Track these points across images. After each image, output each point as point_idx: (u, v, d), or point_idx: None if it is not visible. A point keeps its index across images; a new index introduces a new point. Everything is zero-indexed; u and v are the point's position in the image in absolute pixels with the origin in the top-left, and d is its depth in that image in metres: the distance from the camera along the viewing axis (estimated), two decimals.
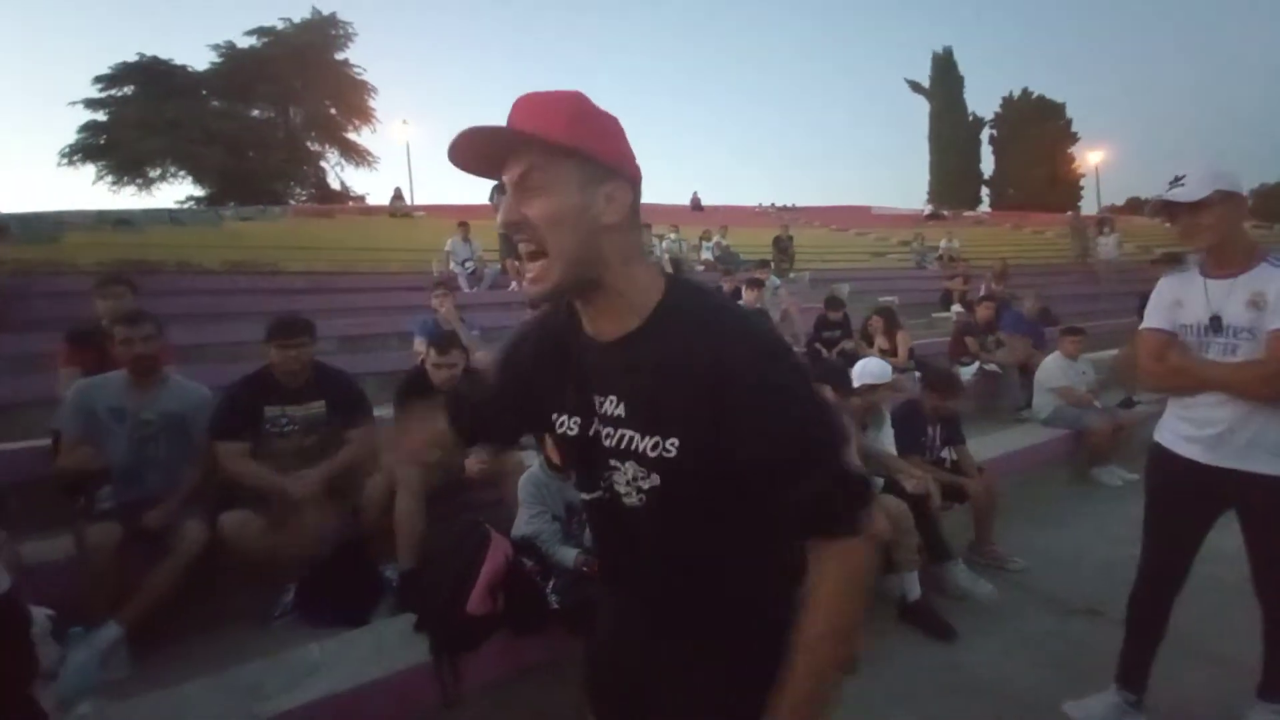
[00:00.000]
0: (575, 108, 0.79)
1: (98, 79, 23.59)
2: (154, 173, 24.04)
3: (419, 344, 4.63)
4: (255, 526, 2.54)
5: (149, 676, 2.25)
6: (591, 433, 0.90)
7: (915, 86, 41.32)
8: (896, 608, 2.91)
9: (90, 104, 23.44)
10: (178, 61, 24.69)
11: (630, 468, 0.87)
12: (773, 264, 10.11)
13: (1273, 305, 1.67)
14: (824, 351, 6.29)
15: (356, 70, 28.66)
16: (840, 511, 0.82)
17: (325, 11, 27.44)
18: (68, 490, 2.51)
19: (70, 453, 2.56)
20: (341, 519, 2.76)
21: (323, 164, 29.11)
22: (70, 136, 23.33)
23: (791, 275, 11.25)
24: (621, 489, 0.89)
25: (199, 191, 25.23)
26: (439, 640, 2.15)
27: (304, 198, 26.92)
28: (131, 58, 23.77)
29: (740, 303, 6.13)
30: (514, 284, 8.77)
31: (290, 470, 2.68)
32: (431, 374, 2.92)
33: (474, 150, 0.81)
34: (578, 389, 0.90)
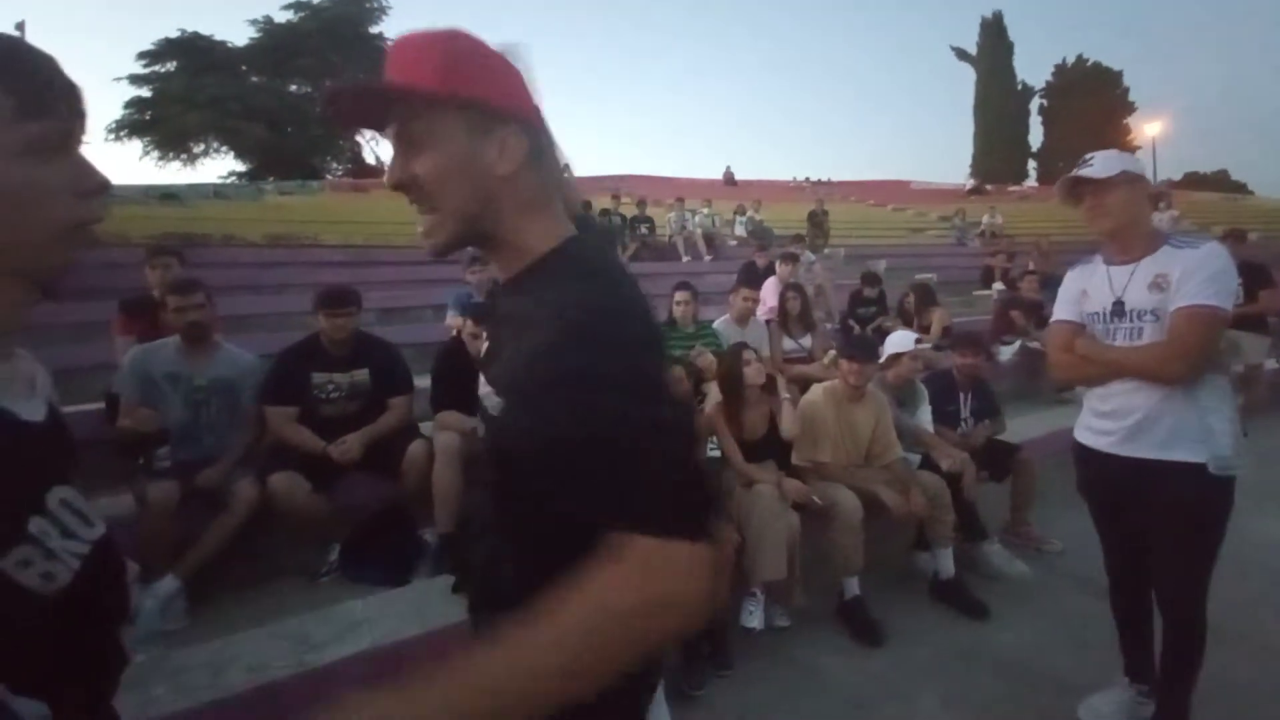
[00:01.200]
0: (449, 50, 0.70)
1: (141, 55, 24.12)
2: (197, 148, 24.61)
3: (453, 317, 4.69)
4: (302, 488, 2.64)
5: (204, 626, 2.39)
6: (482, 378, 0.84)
7: (961, 54, 39.69)
8: (929, 585, 2.90)
9: (134, 80, 24.00)
10: (218, 37, 25.10)
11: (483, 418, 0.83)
12: (807, 239, 9.93)
13: (1175, 285, 1.64)
14: (858, 328, 6.19)
15: (390, 44, 28.70)
16: (639, 503, 0.62)
17: None
18: (128, 450, 2.64)
19: (130, 415, 2.69)
20: (383, 483, 2.85)
21: (359, 139, 29.39)
22: (117, 112, 23.99)
23: (826, 251, 11.04)
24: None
25: (240, 166, 25.80)
26: (476, 601, 2.21)
27: (340, 172, 27.31)
28: (173, 33, 24.26)
29: (773, 279, 6.04)
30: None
31: (335, 434, 2.77)
32: (468, 344, 2.97)
33: (353, 108, 0.75)
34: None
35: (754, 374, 2.89)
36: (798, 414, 2.96)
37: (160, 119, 23.55)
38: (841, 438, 2.97)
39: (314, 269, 7.70)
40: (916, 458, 3.10)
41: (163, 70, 24.36)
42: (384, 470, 2.83)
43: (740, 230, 11.90)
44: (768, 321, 4.84)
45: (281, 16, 26.42)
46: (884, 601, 2.76)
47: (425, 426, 3.07)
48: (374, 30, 28.19)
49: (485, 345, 0.90)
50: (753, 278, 5.50)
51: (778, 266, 6.53)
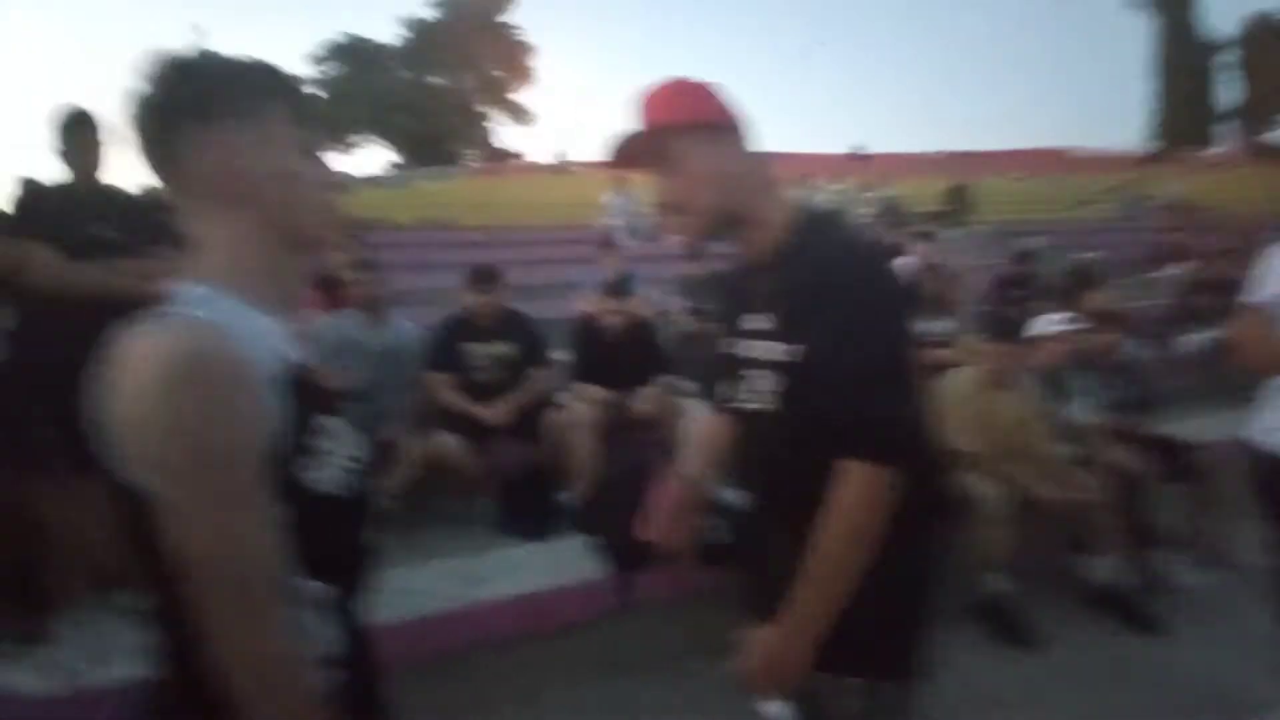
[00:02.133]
0: (680, 90, 0.99)
1: (309, 57, 27.01)
2: (355, 140, 27.24)
3: (586, 295, 4.91)
4: (458, 446, 2.94)
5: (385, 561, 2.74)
6: (735, 349, 1.07)
7: (1134, 2, 34.53)
8: (1087, 591, 2.69)
9: (305, 82, 26.95)
10: (372, 37, 27.47)
11: (761, 376, 1.02)
12: (946, 216, 9.26)
13: None
14: (1004, 311, 5.73)
15: (519, 32, 29.94)
16: (856, 436, 0.91)
17: None
18: None
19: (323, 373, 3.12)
20: (525, 446, 3.10)
21: (489, 124, 31.10)
22: None
23: (968, 229, 10.24)
24: (754, 398, 1.04)
25: (391, 155, 28.25)
26: (615, 557, 2.38)
27: (473, 157, 29.06)
28: (336, 37, 26.89)
29: (907, 259, 5.73)
30: (670, 238, 8.93)
31: (484, 400, 3.05)
32: (603, 320, 3.13)
33: (630, 151, 1.01)
34: (731, 311, 1.10)
35: None
36: (935, 402, 2.84)
37: (326, 115, 26.26)
38: (984, 426, 2.81)
39: (456, 249, 8.34)
40: (1072, 451, 2.86)
41: (326, 71, 27.10)
42: (526, 435, 3.08)
43: (869, 209, 11.33)
44: None
45: (426, 14, 28.38)
46: (1033, 604, 2.60)
47: (560, 397, 3.29)
48: (504, 20, 29.49)
49: (749, 316, 1.08)
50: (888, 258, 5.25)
51: (910, 245, 6.18)
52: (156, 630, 0.70)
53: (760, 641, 0.99)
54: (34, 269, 1.89)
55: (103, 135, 2.11)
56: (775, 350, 0.98)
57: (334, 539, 0.75)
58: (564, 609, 2.31)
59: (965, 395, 2.81)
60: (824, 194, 10.66)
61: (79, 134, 2.07)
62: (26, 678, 1.86)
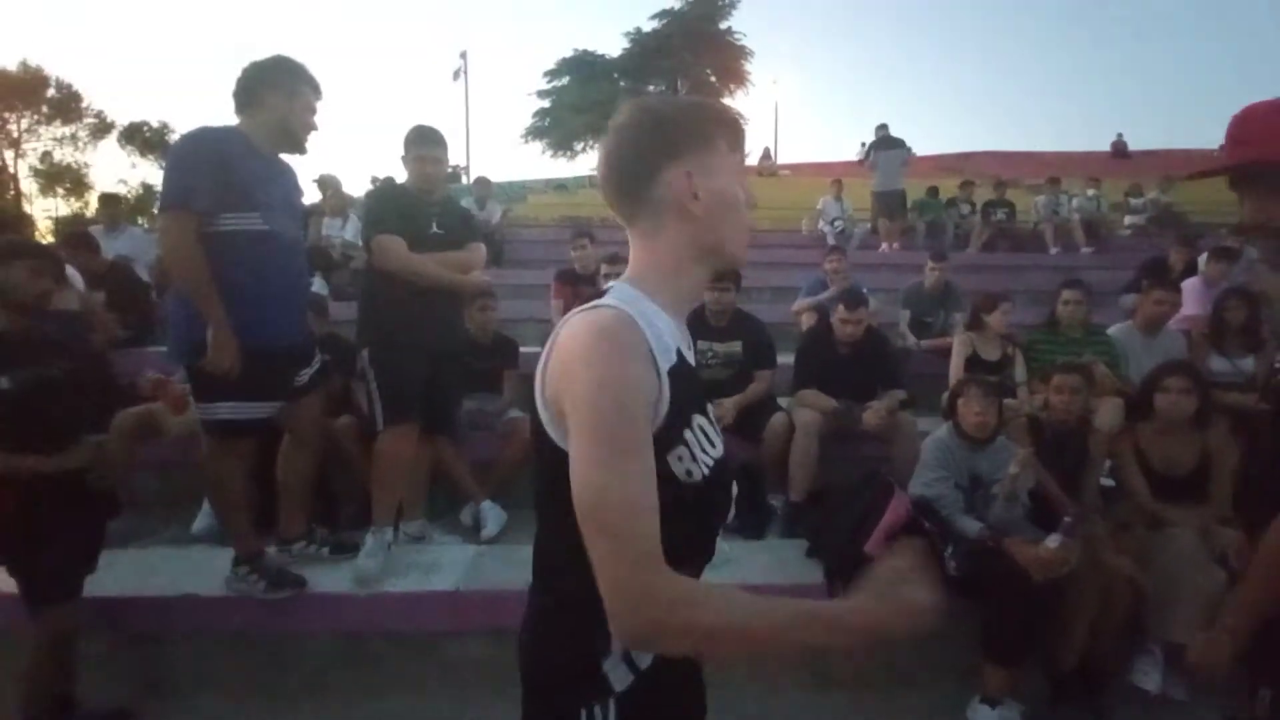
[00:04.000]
0: None
1: (545, 73, 29.93)
2: (579, 146, 29.69)
3: (804, 302, 4.88)
4: None
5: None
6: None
7: None
8: None
9: (540, 94, 29.97)
10: (599, 51, 29.65)
11: None
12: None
13: None
14: None
15: (737, 36, 30.20)
16: None
17: None
18: None
19: None
20: (745, 446, 3.19)
21: None
22: (528, 120, 30.28)
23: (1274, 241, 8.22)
24: None
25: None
26: (835, 568, 2.37)
27: None
28: (568, 52, 29.50)
29: (1196, 279, 4.81)
30: (883, 245, 8.45)
31: (709, 397, 3.19)
32: (837, 329, 3.11)
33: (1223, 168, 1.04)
34: None
35: (1170, 407, 2.40)
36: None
37: (556, 124, 29.00)
38: None
39: None
40: None
41: (559, 84, 29.84)
42: (745, 435, 3.16)
43: (1135, 217, 9.61)
44: (1186, 333, 3.90)
45: (649, 26, 29.89)
46: None
47: (781, 402, 3.32)
48: (724, 25, 29.94)
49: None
50: (1162, 275, 4.45)
51: (1204, 264, 5.16)
52: (540, 557, 0.86)
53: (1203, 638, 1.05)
54: (389, 257, 2.41)
55: (440, 149, 2.58)
56: None
57: (692, 531, 0.82)
58: None
59: None
60: (1078, 198, 9.25)
61: (420, 146, 2.55)
62: (340, 580, 2.37)
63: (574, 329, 0.74)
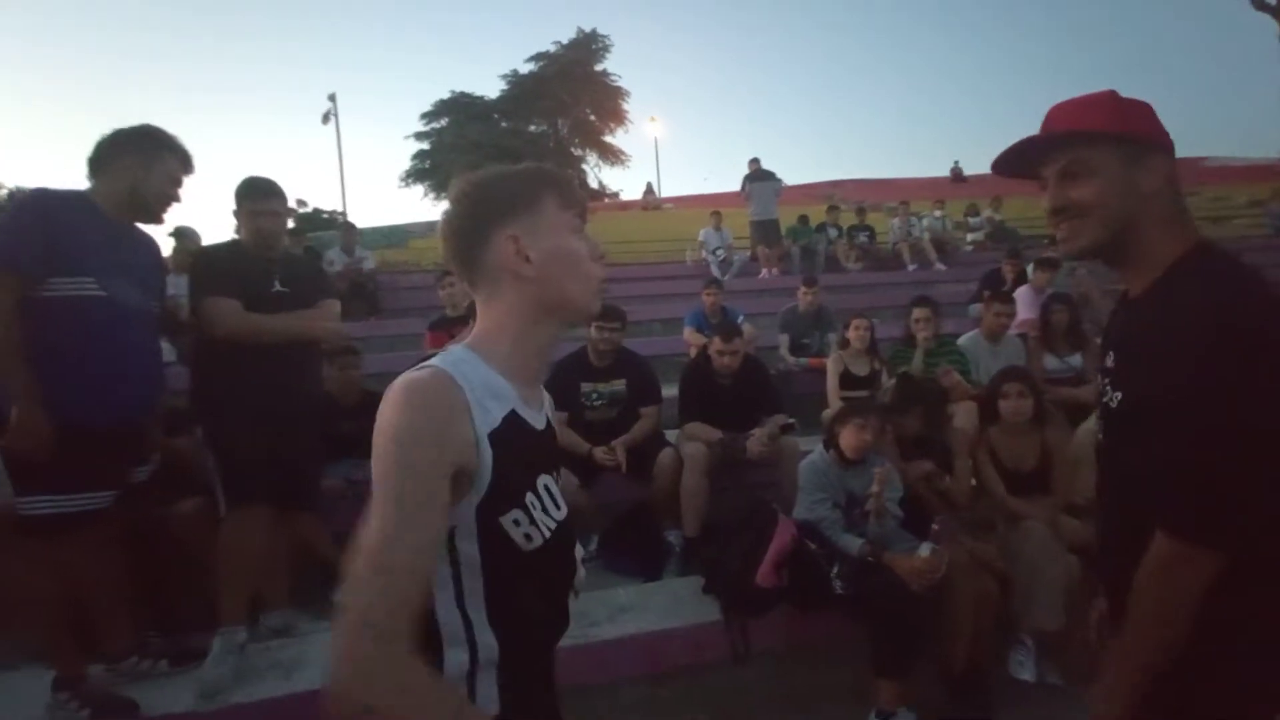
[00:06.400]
0: (1111, 101, 0.93)
1: (423, 115, 29.41)
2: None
3: (690, 333, 4.97)
4: (571, 483, 3.03)
5: None
6: (1101, 386, 1.00)
7: (1259, 4, 31.00)
8: None
9: (419, 135, 29.36)
10: (477, 93, 29.58)
11: (1101, 420, 0.98)
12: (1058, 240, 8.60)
13: None
14: None
15: (612, 78, 31.25)
16: (1183, 513, 0.83)
17: (587, 29, 30.37)
18: None
19: None
20: (635, 485, 3.15)
21: (584, 166, 32.44)
22: (407, 163, 29.47)
23: None
24: (1100, 436, 1.00)
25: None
26: (729, 604, 2.36)
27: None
28: (445, 94, 29.19)
29: (1026, 288, 5.39)
30: (763, 271, 8.88)
31: (596, 437, 3.14)
32: (715, 360, 3.16)
33: (1016, 158, 0.97)
34: (1102, 349, 1.03)
35: (1011, 410, 2.63)
36: (1075, 447, 2.64)
37: (436, 166, 28.43)
38: None
39: None
40: None
41: (439, 126, 29.39)
42: (636, 473, 3.12)
43: (975, 235, 10.74)
44: (1023, 336, 4.33)
45: (525, 68, 30.27)
46: None
47: (667, 435, 3.32)
48: (599, 68, 30.90)
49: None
50: (998, 289, 4.96)
51: (1031, 274, 5.81)
52: None
53: (1091, 697, 0.97)
54: (221, 320, 2.17)
55: (276, 201, 2.39)
56: (1108, 394, 0.95)
57: (536, 598, 0.81)
58: (677, 652, 2.30)
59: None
60: (926, 219, 10.24)
61: (252, 201, 2.35)
62: (180, 696, 2.06)
63: (391, 389, 0.74)
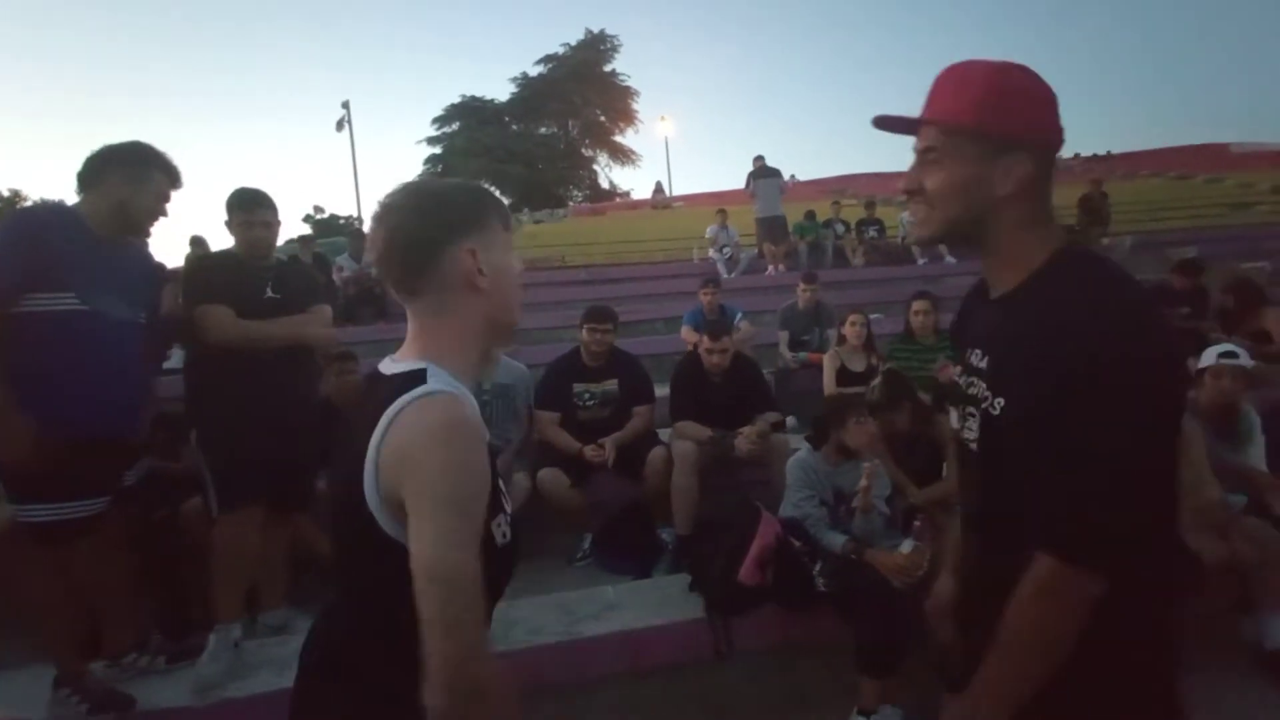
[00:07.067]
0: (992, 84, 0.84)
1: (435, 120, 29.76)
2: None
3: (687, 332, 4.98)
4: (562, 482, 3.06)
5: None
6: (961, 381, 0.97)
7: None
8: (1253, 656, 2.32)
9: (430, 140, 29.69)
10: (487, 96, 29.84)
11: (973, 418, 0.93)
12: (1078, 229, 8.47)
13: None
14: None
15: (622, 78, 31.34)
16: (1068, 533, 0.78)
17: (595, 29, 30.47)
18: None
19: None
20: (627, 483, 3.17)
21: (595, 167, 32.58)
22: (419, 168, 29.82)
23: (1104, 240, 9.30)
24: (969, 434, 0.95)
25: (504, 201, 30.28)
26: (712, 601, 2.37)
27: (580, 199, 30.47)
28: (456, 99, 29.48)
29: None
30: (770, 268, 8.84)
31: (588, 437, 3.16)
32: (704, 359, 3.16)
33: (898, 122, 0.92)
34: (962, 342, 1.00)
35: None
36: None
37: (448, 170, 28.74)
38: None
39: (561, 288, 8.73)
40: (1241, 499, 2.50)
41: (449, 130, 29.70)
42: (629, 472, 3.14)
43: None
44: None
45: (535, 70, 30.47)
46: (1193, 670, 2.28)
47: (662, 433, 3.34)
48: (608, 68, 30.97)
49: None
50: None
51: None
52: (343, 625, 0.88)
53: (949, 713, 0.92)
54: (214, 327, 2.23)
55: (267, 211, 2.45)
56: (982, 393, 0.90)
57: (500, 585, 0.87)
58: (660, 650, 2.32)
59: None
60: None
61: (243, 211, 2.41)
62: (176, 691, 2.13)
63: (417, 417, 0.76)
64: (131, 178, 2.06)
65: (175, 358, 4.77)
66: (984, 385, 0.89)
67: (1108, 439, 0.76)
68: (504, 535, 0.84)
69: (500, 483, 0.86)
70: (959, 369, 0.99)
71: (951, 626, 1.13)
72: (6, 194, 24.79)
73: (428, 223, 0.83)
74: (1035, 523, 0.82)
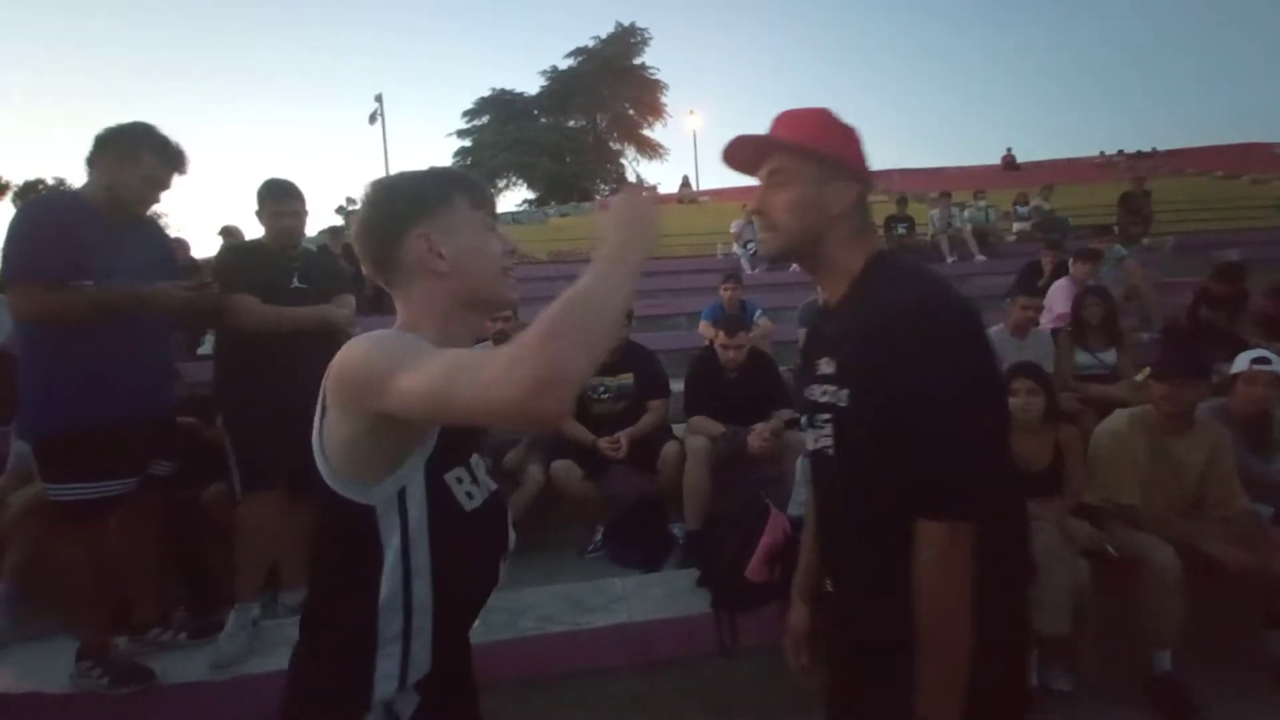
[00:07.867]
0: (824, 119, 1.01)
1: (465, 113, 30.01)
2: (502, 183, 29.72)
3: (705, 326, 4.96)
4: (576, 474, 3.08)
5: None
6: (815, 394, 1.03)
7: None
8: (1277, 670, 2.25)
9: (460, 134, 29.97)
10: (517, 90, 29.98)
11: (827, 424, 1.00)
12: (1118, 229, 8.18)
13: None
14: (1194, 339, 4.91)
15: (651, 71, 31.20)
16: (937, 490, 0.87)
17: (625, 23, 30.39)
18: None
19: None
20: (641, 477, 3.18)
21: (622, 161, 32.54)
22: (449, 160, 30.12)
23: (1145, 241, 9.00)
24: (825, 443, 1.02)
25: (530, 195, 30.46)
26: (719, 597, 2.36)
27: (607, 193, 30.46)
28: (486, 92, 29.68)
29: (1065, 280, 5.15)
30: (793, 264, 8.72)
31: (602, 430, 3.18)
32: (720, 354, 3.15)
33: (740, 153, 1.04)
34: (812, 358, 1.07)
35: (1020, 408, 2.53)
36: (1090, 446, 2.53)
37: (478, 163, 28.99)
38: (1157, 478, 2.44)
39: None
40: (1268, 510, 2.41)
41: (479, 123, 29.92)
42: (642, 465, 3.15)
43: (1022, 223, 10.32)
44: (1054, 332, 4.16)
45: (564, 64, 30.50)
46: (1215, 686, 2.21)
47: (677, 428, 3.34)
48: (637, 61, 30.85)
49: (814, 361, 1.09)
50: (1032, 282, 4.75)
51: (1072, 265, 5.56)
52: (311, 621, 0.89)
53: None
54: (244, 315, 2.29)
55: (296, 202, 2.50)
56: (833, 395, 0.98)
57: (472, 557, 0.88)
58: (666, 644, 2.32)
59: (1131, 441, 2.46)
60: (970, 209, 9.87)
61: (274, 202, 2.47)
62: (196, 666, 2.20)
63: (343, 351, 0.77)
64: (120, 159, 2.00)
65: (206, 344, 4.93)
66: (834, 386, 0.98)
67: (938, 393, 0.86)
68: (469, 495, 0.85)
69: (469, 454, 0.88)
70: (812, 385, 1.05)
71: (808, 654, 1.21)
72: (51, 181, 25.68)
73: (381, 214, 0.87)
74: (909, 498, 0.88)
